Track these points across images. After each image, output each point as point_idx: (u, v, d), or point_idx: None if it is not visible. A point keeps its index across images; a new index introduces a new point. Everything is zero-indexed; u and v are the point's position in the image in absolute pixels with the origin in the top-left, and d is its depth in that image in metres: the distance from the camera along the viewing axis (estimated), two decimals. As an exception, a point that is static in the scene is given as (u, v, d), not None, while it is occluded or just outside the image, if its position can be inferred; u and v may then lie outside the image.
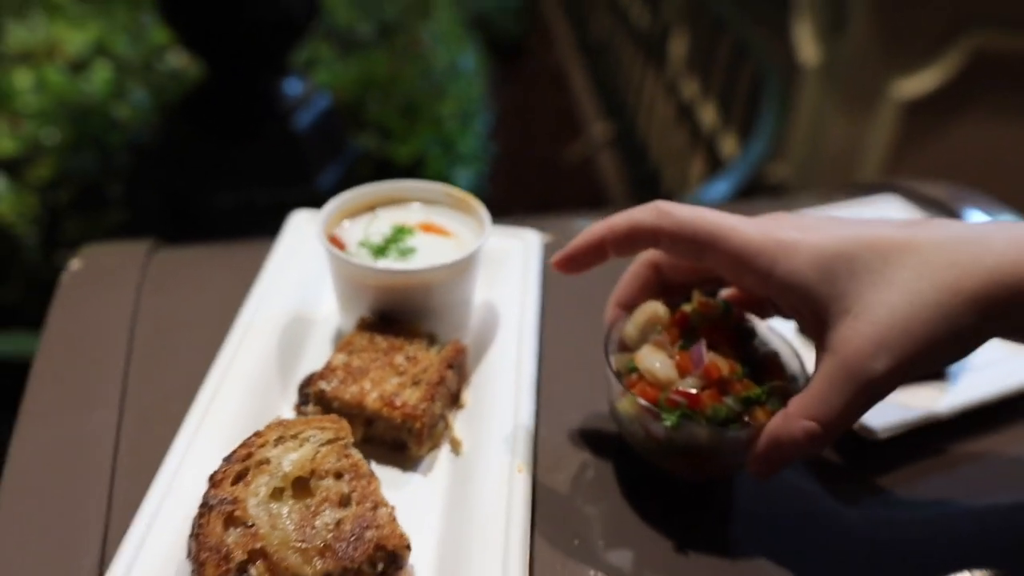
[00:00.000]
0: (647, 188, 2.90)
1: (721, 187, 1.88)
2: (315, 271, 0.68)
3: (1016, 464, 0.56)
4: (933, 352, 0.44)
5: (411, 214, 0.65)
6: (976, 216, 0.82)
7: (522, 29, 4.18)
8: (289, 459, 0.46)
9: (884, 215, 0.79)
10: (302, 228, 0.73)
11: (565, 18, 4.58)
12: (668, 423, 0.48)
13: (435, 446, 0.55)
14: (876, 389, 0.45)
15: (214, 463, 0.48)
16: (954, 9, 1.74)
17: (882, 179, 0.88)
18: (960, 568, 0.49)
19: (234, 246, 0.76)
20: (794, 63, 2.01)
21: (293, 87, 1.61)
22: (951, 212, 0.82)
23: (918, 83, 1.78)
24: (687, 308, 0.54)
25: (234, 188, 1.59)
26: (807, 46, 1.95)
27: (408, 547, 0.45)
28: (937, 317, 0.44)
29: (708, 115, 2.53)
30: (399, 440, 0.54)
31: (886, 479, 0.55)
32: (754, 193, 1.87)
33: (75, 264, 0.70)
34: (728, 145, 2.41)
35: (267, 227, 0.74)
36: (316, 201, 0.67)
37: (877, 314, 0.45)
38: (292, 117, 1.59)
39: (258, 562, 0.42)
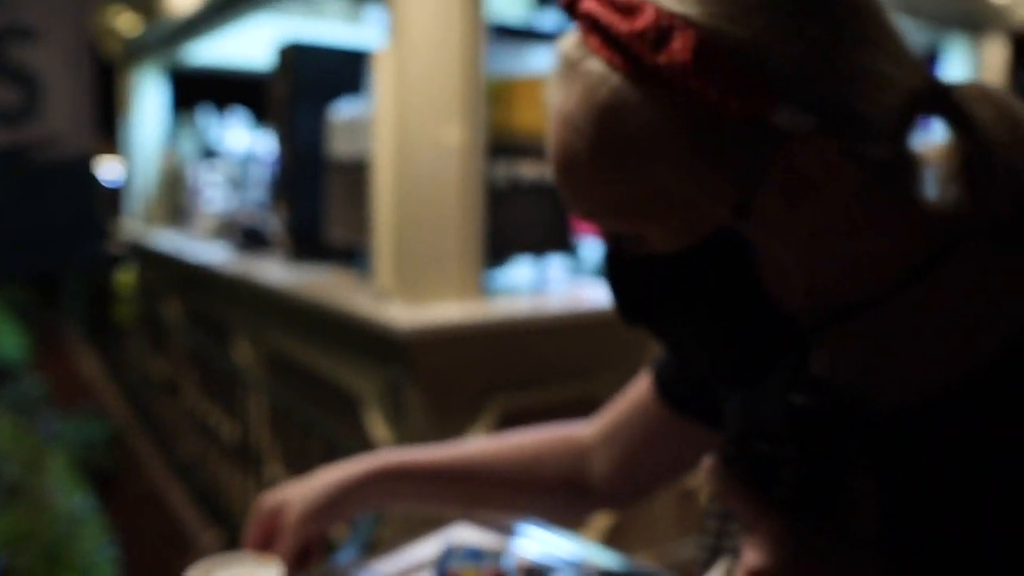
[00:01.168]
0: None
1: (348, 553, 2.40)
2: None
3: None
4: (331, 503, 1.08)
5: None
6: (536, 531, 1.44)
7: (114, 460, 4.44)
8: None
9: (462, 541, 1.38)
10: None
11: (153, 445, 4.91)
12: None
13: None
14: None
15: None
16: (484, 380, 2.44)
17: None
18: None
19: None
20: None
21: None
22: (512, 530, 1.44)
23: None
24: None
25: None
26: (380, 433, 2.61)
27: None
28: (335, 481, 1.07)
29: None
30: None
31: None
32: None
33: None
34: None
35: None
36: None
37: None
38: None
39: None
